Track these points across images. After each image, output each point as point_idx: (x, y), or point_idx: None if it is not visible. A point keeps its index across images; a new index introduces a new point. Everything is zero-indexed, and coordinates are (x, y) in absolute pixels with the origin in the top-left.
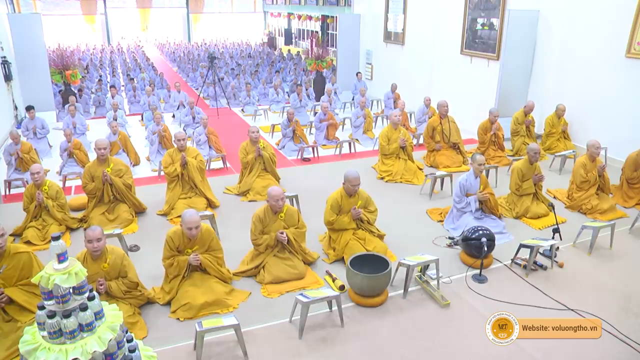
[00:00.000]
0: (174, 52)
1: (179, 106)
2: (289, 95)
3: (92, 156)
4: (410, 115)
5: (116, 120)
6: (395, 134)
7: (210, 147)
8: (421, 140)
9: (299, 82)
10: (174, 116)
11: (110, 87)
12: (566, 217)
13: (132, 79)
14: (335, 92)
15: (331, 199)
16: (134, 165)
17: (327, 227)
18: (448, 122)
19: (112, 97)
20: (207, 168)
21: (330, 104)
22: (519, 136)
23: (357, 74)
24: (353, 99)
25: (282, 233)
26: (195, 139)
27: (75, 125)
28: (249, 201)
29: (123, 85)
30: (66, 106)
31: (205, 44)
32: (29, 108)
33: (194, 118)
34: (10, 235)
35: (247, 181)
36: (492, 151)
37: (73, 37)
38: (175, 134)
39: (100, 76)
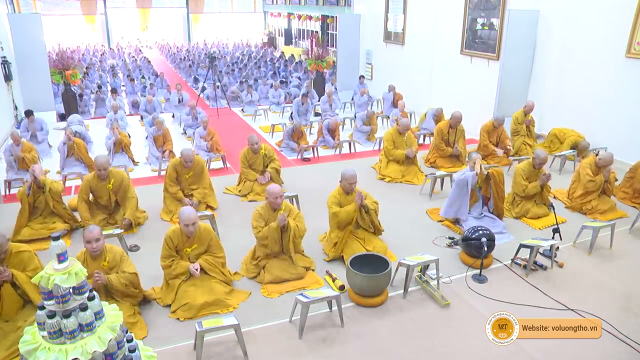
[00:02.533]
0: (174, 54)
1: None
2: (289, 95)
3: (92, 156)
4: (411, 115)
5: (117, 120)
6: (401, 138)
7: (208, 149)
8: (421, 141)
9: (305, 93)
10: (173, 116)
11: (111, 90)
12: (566, 217)
13: (133, 79)
14: (336, 89)
15: (331, 197)
16: (134, 164)
17: (331, 223)
18: (456, 132)
19: (113, 99)
20: (207, 168)
21: (331, 105)
22: (519, 136)
23: (360, 78)
24: (353, 99)
25: (283, 216)
26: (195, 139)
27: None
28: (249, 201)
29: (123, 85)
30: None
31: (206, 45)
32: (28, 113)
33: (195, 118)
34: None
35: (248, 185)
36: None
37: (73, 37)
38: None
39: (101, 76)
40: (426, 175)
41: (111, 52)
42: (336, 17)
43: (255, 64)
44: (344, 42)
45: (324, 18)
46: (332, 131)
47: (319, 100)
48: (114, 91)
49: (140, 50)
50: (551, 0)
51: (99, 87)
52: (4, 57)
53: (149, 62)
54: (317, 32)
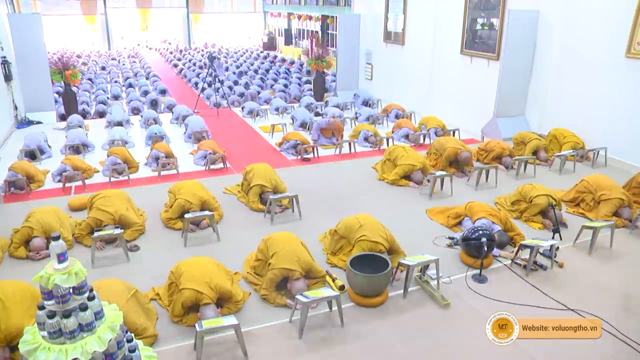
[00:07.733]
0: (174, 56)
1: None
2: (289, 95)
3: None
4: (412, 114)
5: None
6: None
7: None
8: (420, 141)
9: (318, 112)
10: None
11: (113, 97)
12: (566, 217)
13: (132, 86)
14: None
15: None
16: (131, 173)
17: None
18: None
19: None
20: (207, 168)
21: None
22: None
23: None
24: (354, 96)
25: None
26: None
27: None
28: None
29: (124, 87)
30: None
31: (207, 48)
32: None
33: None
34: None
35: None
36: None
37: (73, 38)
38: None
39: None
40: (426, 175)
41: (110, 55)
42: (336, 17)
43: (256, 72)
44: (344, 42)
45: (324, 18)
46: (325, 130)
47: (317, 100)
48: (116, 97)
49: (137, 53)
50: (551, 0)
51: (116, 97)
52: (4, 57)
53: (150, 67)
54: (317, 32)
